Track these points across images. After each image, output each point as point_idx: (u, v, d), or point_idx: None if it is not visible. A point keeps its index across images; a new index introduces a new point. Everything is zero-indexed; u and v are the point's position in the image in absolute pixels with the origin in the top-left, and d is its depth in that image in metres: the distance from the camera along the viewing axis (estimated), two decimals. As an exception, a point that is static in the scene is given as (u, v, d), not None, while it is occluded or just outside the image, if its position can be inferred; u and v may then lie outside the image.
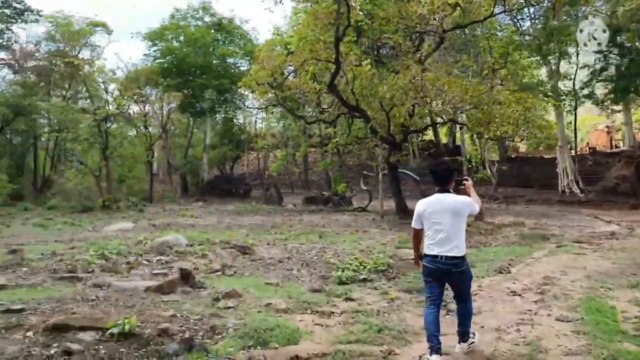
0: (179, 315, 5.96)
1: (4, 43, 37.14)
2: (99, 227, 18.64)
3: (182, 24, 38.59)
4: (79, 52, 36.37)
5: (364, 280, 8.58)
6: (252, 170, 44.76)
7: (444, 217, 5.01)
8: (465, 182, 5.50)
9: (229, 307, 6.54)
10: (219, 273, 9.11)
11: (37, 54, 36.73)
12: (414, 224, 5.31)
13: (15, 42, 37.17)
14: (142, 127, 33.58)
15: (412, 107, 18.62)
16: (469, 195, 5.38)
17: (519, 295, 7.83)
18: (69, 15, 35.63)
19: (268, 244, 12.77)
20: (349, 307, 6.86)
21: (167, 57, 37.50)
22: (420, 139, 34.00)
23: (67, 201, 26.94)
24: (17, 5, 36.42)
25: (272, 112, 35.67)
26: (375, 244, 13.07)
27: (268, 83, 22.77)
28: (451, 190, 5.17)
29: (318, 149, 33.77)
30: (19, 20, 37.29)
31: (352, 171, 34.64)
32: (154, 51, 38.38)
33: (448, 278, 5.11)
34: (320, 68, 21.61)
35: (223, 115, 42.05)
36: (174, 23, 38.31)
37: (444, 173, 5.20)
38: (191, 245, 11.34)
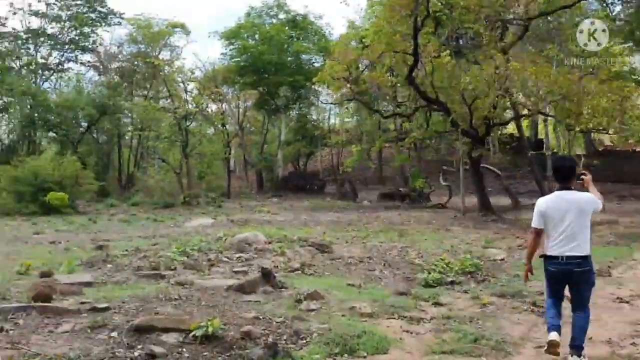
0: (261, 317, 5.76)
1: (90, 46, 39.06)
2: (180, 223, 19.03)
3: (258, 22, 38.95)
4: (159, 53, 37.52)
5: (452, 282, 8.08)
6: (325, 166, 44.69)
7: (568, 216, 4.72)
8: (583, 177, 5.06)
9: (312, 310, 6.28)
10: (299, 272, 8.90)
11: (120, 56, 38.31)
12: (535, 223, 4.94)
13: (100, 44, 39.04)
14: (219, 125, 34.24)
15: (495, 99, 17.76)
16: (587, 190, 4.97)
17: (627, 302, 7.13)
18: (149, 17, 36.80)
19: (346, 242, 12.47)
20: (438, 313, 6.42)
21: (243, 56, 37.96)
22: (501, 132, 32.62)
23: (149, 197, 27.85)
24: (101, 9, 38.20)
25: (347, 108, 35.36)
26: (459, 243, 12.47)
27: (343, 77, 22.51)
28: (573, 187, 4.86)
29: (393, 143, 33.14)
30: (103, 24, 39.12)
31: (430, 166, 33.75)
32: (231, 50, 38.99)
33: (569, 279, 4.83)
34: (397, 61, 21.08)
35: (297, 112, 42.21)
36: (249, 21, 38.72)
37: (568, 170, 4.93)
38: (269, 243, 11.22)
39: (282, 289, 7.36)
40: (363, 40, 23.99)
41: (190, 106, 29.79)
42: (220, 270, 8.72)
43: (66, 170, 23.72)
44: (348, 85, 23.03)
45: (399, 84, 21.92)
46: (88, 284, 7.34)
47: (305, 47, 39.08)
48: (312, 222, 18.66)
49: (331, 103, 36.60)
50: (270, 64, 36.65)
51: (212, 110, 34.15)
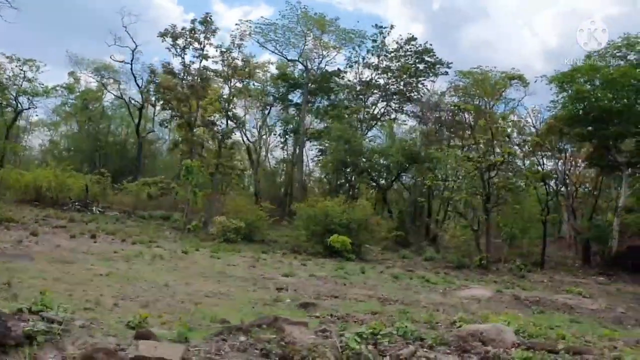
0: None
1: (415, 96, 39.05)
2: (452, 290, 15.76)
3: (600, 65, 32.83)
4: (492, 107, 34.72)
5: None
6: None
7: None
8: None
9: None
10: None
11: (441, 105, 36.94)
12: None
13: (424, 94, 38.63)
14: (537, 182, 29.42)
15: None
16: None
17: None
18: (486, 70, 34.46)
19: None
20: None
21: (576, 103, 32.32)
22: None
23: (443, 255, 25.10)
24: (429, 59, 37.94)
25: None
26: None
27: None
28: None
29: None
30: (430, 74, 38.75)
31: None
32: (561, 97, 33.72)
33: None
34: None
35: (646, 172, 33.84)
36: (587, 64, 32.89)
37: None
38: (517, 346, 6.95)
39: None
40: None
41: (496, 156, 25.79)
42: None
43: (355, 214, 22.79)
44: None
45: None
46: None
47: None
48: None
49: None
50: (611, 112, 30.23)
51: (528, 164, 29.62)
